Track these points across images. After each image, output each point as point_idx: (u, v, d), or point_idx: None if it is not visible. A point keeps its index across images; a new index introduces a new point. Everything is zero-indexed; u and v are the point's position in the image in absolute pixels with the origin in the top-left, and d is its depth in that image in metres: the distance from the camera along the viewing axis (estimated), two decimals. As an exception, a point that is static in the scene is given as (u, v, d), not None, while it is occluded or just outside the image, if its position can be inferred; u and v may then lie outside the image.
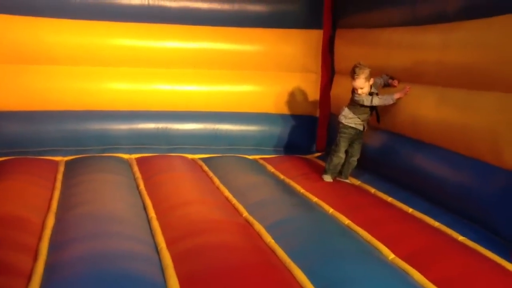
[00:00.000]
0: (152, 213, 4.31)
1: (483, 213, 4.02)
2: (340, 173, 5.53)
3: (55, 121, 6.32)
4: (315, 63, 6.87)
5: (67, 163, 5.90)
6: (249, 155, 6.62)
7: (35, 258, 3.34)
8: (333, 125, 6.31)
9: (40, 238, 3.67)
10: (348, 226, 4.16)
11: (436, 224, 4.19)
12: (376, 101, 5.20)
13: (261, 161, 6.38)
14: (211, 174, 5.67)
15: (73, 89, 6.33)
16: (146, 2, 6.39)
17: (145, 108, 6.58)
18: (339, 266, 3.33)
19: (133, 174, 5.59)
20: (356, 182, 5.49)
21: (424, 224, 4.21)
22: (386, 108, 5.32)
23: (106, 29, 6.33)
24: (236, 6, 6.62)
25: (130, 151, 6.48)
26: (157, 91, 6.59)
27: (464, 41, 4.36)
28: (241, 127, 6.79)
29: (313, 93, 6.92)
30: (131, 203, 4.59)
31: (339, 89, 6.46)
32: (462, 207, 4.27)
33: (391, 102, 5.20)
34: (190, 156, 6.52)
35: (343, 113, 5.43)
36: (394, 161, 5.26)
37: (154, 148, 6.57)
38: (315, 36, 6.82)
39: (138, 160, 6.14)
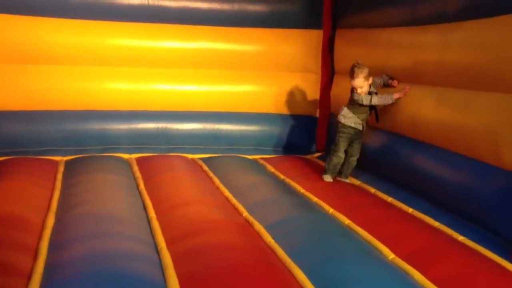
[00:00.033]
0: (152, 213, 4.31)
1: (483, 213, 4.03)
2: (340, 173, 5.54)
3: (55, 121, 6.31)
4: (315, 63, 6.88)
5: (67, 163, 5.90)
6: (249, 155, 6.62)
7: (35, 257, 3.34)
8: (333, 125, 6.32)
9: (40, 238, 3.67)
10: (348, 226, 4.16)
11: (436, 224, 4.19)
12: (375, 100, 5.20)
13: (261, 161, 6.39)
14: (211, 174, 5.67)
15: (73, 89, 6.33)
16: (146, 2, 6.39)
17: (145, 108, 6.58)
18: (339, 266, 3.33)
19: (133, 174, 5.59)
20: (356, 182, 5.49)
21: (424, 224, 4.21)
22: (386, 108, 5.32)
23: (106, 29, 6.33)
24: (236, 6, 6.62)
25: (130, 151, 6.48)
26: (157, 91, 6.59)
27: (463, 41, 4.36)
28: (241, 127, 6.79)
29: (313, 93, 6.92)
30: (131, 203, 4.59)
31: (339, 89, 6.46)
32: (462, 207, 4.27)
33: (390, 102, 5.20)
34: (190, 156, 6.52)
35: (342, 112, 5.43)
36: (394, 161, 5.26)
37: (154, 148, 6.57)
38: (315, 36, 6.82)
39: (138, 160, 6.14)
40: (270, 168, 6.04)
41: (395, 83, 5.34)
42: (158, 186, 5.05)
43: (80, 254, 3.36)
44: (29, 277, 3.07)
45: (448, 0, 4.59)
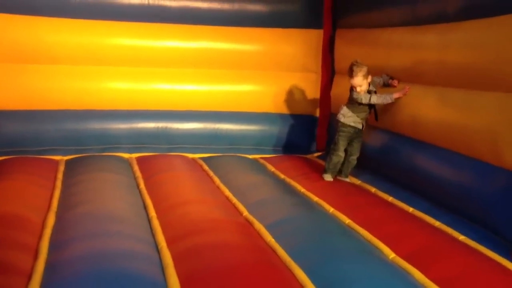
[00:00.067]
0: (152, 212, 4.31)
1: (484, 212, 4.03)
2: (340, 172, 5.54)
3: (55, 120, 6.31)
4: (315, 63, 6.88)
5: (67, 163, 5.90)
6: (249, 154, 6.62)
7: (36, 257, 3.34)
8: (333, 125, 6.31)
9: (40, 237, 3.67)
10: (348, 226, 4.16)
11: (437, 223, 4.19)
12: (375, 99, 5.21)
13: (261, 161, 6.39)
14: (211, 173, 5.67)
15: (73, 88, 6.33)
16: (146, 2, 6.39)
17: (145, 107, 6.58)
18: (339, 266, 3.33)
19: (133, 174, 5.59)
20: (357, 181, 5.49)
21: (425, 224, 4.21)
22: (386, 108, 5.33)
23: (106, 28, 6.33)
24: (236, 6, 6.62)
25: (130, 151, 6.48)
26: (157, 90, 6.59)
27: (464, 41, 4.36)
28: (241, 126, 6.79)
29: (313, 93, 6.92)
30: (131, 202, 4.59)
31: (339, 89, 6.45)
32: (462, 207, 4.27)
33: (389, 101, 5.20)
34: (190, 155, 6.52)
35: (342, 111, 5.43)
36: (394, 161, 5.26)
37: (154, 147, 6.57)
38: (315, 36, 6.83)
39: (138, 160, 6.14)
40: (271, 167, 6.04)
41: (395, 82, 5.34)
42: (158, 186, 5.05)
43: (81, 254, 3.36)
44: (29, 276, 3.07)
45: (448, 0, 4.59)
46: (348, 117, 5.39)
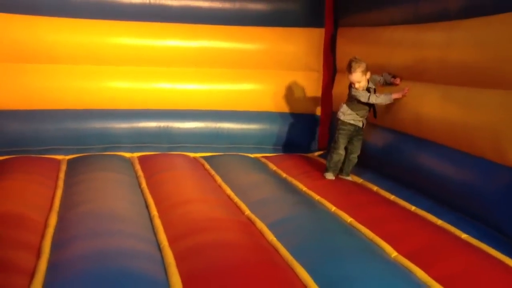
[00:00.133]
0: (154, 211, 4.31)
1: (486, 210, 4.02)
2: (341, 170, 5.53)
3: (56, 120, 6.32)
4: (317, 62, 6.87)
5: (69, 162, 5.90)
6: (250, 153, 6.62)
7: (38, 256, 3.34)
8: (335, 124, 6.30)
9: (43, 237, 3.67)
10: (350, 224, 4.15)
11: (439, 222, 4.18)
12: (374, 99, 5.21)
13: (263, 160, 6.38)
14: (212, 172, 5.66)
15: (74, 88, 6.33)
16: (147, 1, 6.39)
17: (146, 106, 6.58)
18: (341, 264, 3.33)
19: (135, 173, 5.59)
20: (359, 180, 5.48)
21: (427, 222, 4.20)
22: (388, 106, 5.32)
23: (107, 27, 6.33)
24: (237, 5, 6.62)
25: (131, 150, 6.48)
26: (158, 89, 6.59)
27: (466, 39, 4.35)
28: (243, 125, 6.79)
29: (315, 92, 6.91)
30: (133, 201, 4.59)
31: (341, 87, 6.43)
32: (465, 205, 4.26)
33: (388, 102, 5.20)
34: (191, 154, 6.52)
35: (341, 109, 5.43)
36: (396, 159, 5.25)
37: (155, 146, 6.57)
38: (316, 35, 6.82)
39: (140, 159, 6.14)
40: (272, 166, 6.04)
41: (397, 80, 5.33)
42: (160, 185, 5.05)
43: (83, 253, 3.36)
44: (32, 275, 3.07)
45: (450, -2, 4.59)
46: (348, 115, 5.39)
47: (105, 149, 6.39)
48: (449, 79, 4.57)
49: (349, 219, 4.23)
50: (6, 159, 5.82)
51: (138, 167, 5.76)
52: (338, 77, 6.72)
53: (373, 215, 4.28)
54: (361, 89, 5.23)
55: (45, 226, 3.89)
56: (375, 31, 5.86)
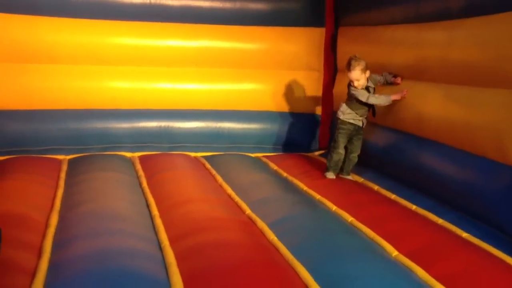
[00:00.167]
0: (155, 211, 4.31)
1: (488, 210, 4.01)
2: (341, 170, 5.53)
3: (56, 120, 6.32)
4: (318, 61, 6.87)
5: (70, 162, 5.90)
6: (251, 153, 6.62)
7: (39, 256, 3.34)
8: (335, 123, 6.30)
9: (44, 236, 3.68)
10: (351, 223, 4.15)
11: (440, 221, 4.18)
12: (372, 100, 5.21)
13: (264, 159, 6.38)
14: (213, 172, 5.66)
15: (75, 88, 6.33)
16: (148, 1, 6.39)
17: (147, 106, 6.58)
18: (342, 263, 3.32)
19: (136, 172, 5.59)
20: (359, 179, 5.48)
21: (428, 221, 4.19)
22: (389, 105, 5.31)
23: (107, 27, 6.33)
24: (237, 4, 6.62)
25: (132, 150, 6.49)
26: (159, 89, 6.59)
27: (467, 38, 4.34)
28: (243, 125, 6.79)
29: (315, 91, 6.91)
30: (134, 201, 4.59)
31: (342, 87, 6.41)
32: (466, 204, 4.25)
33: (387, 103, 5.20)
34: (192, 154, 6.53)
35: (341, 109, 5.43)
36: (397, 158, 5.25)
37: (156, 146, 6.57)
38: (317, 34, 6.82)
39: (141, 158, 6.14)
40: (273, 165, 6.04)
41: (398, 80, 5.32)
42: (160, 184, 5.05)
43: (84, 252, 3.36)
44: (33, 275, 3.07)
45: (451, -3, 4.59)
46: (347, 114, 5.39)
47: (106, 149, 6.39)
48: (450, 78, 4.57)
49: (349, 218, 4.23)
50: (7, 159, 5.82)
51: (138, 166, 5.76)
52: (338, 77, 6.72)
53: (374, 214, 4.27)
54: (360, 87, 5.23)
55: (46, 226, 3.89)
56: (376, 30, 5.86)
